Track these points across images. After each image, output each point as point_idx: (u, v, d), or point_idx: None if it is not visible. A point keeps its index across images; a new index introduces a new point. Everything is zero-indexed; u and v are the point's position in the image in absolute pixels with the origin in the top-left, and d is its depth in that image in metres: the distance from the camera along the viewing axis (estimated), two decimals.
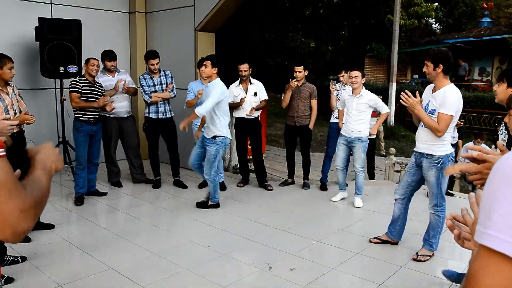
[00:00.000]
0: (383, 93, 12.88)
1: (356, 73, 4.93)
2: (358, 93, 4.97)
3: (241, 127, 5.81)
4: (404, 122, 14.83)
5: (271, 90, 7.66)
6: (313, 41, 21.48)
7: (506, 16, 21.59)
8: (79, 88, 4.93)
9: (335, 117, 5.76)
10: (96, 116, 5.10)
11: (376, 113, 6.80)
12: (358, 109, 4.97)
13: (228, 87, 5.76)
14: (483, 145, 6.79)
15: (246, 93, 5.66)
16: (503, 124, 2.98)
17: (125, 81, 5.60)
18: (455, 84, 3.56)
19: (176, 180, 5.91)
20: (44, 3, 6.23)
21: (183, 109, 5.86)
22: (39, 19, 5.64)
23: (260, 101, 5.73)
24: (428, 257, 3.67)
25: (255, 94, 5.69)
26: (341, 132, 5.18)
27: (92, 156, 5.19)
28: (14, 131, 3.39)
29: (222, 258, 3.69)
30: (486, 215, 0.69)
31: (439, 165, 3.51)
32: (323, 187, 5.91)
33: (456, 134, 6.22)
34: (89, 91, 5.01)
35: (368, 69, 18.29)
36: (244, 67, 5.57)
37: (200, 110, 4.56)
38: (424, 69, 3.50)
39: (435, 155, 3.51)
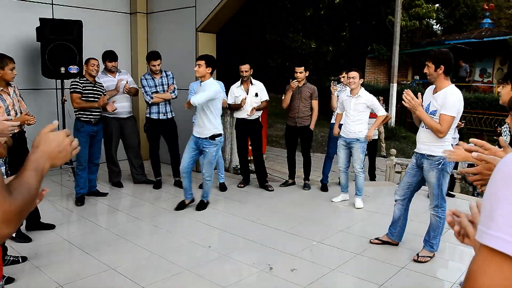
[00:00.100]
0: (384, 94, 12.92)
1: (354, 74, 4.94)
2: (356, 94, 4.98)
3: (242, 127, 5.81)
4: (405, 123, 14.83)
5: (271, 91, 7.65)
6: (314, 41, 21.49)
7: (507, 17, 21.60)
8: (80, 89, 4.94)
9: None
10: (98, 117, 5.11)
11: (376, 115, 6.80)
12: (356, 110, 4.98)
13: (229, 87, 5.79)
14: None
15: (247, 94, 5.66)
16: (507, 126, 2.98)
17: (126, 81, 5.60)
18: (456, 85, 3.56)
19: (177, 181, 5.91)
20: (46, 3, 6.24)
21: (184, 110, 5.86)
22: (41, 19, 5.65)
23: (261, 102, 5.74)
24: (429, 258, 3.67)
25: (256, 94, 5.69)
26: (340, 133, 5.19)
27: (93, 156, 5.19)
28: (16, 131, 3.39)
29: (223, 258, 3.69)
30: (487, 215, 0.69)
31: (439, 166, 3.51)
32: (324, 187, 5.91)
33: (457, 135, 6.21)
34: (90, 92, 5.01)
35: (369, 70, 18.29)
36: (245, 67, 5.58)
37: (194, 99, 4.53)
38: (425, 70, 3.50)
39: (436, 156, 3.51)
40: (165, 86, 5.64)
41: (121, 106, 5.57)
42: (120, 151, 5.86)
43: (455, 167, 7.00)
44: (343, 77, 5.89)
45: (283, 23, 19.21)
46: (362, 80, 5.01)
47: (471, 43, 16.37)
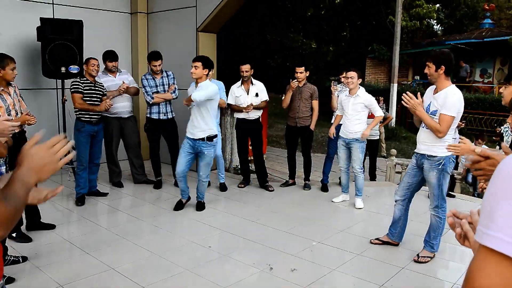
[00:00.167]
0: (384, 94, 12.91)
1: (352, 74, 4.94)
2: (355, 93, 4.99)
3: (242, 127, 5.81)
4: (405, 124, 14.82)
5: (272, 91, 7.66)
6: (314, 42, 21.49)
7: (508, 18, 21.60)
8: (81, 89, 4.94)
9: None
10: (98, 117, 5.11)
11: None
12: (354, 109, 4.99)
13: (229, 87, 5.79)
14: (484, 146, 6.77)
15: (248, 94, 5.66)
16: (508, 126, 2.98)
17: (123, 82, 5.59)
18: (456, 86, 3.56)
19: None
20: (46, 3, 6.24)
21: (184, 110, 5.86)
22: (41, 19, 5.65)
23: (261, 102, 5.73)
24: (429, 259, 3.67)
25: (257, 95, 5.69)
26: (340, 133, 5.20)
27: (93, 156, 5.19)
28: (16, 131, 3.39)
29: (223, 258, 3.69)
30: (487, 216, 0.69)
31: (440, 167, 3.52)
32: (324, 188, 5.91)
33: (457, 136, 6.21)
34: (90, 91, 5.01)
35: (370, 70, 18.28)
36: (245, 67, 5.58)
37: (195, 95, 4.46)
38: (426, 70, 3.50)
39: (436, 156, 3.51)
40: (166, 86, 5.64)
41: (122, 106, 5.57)
42: (121, 151, 5.86)
43: (455, 168, 7.01)
44: (344, 77, 5.89)
45: (283, 23, 19.21)
46: (360, 80, 5.02)
47: (471, 44, 16.37)
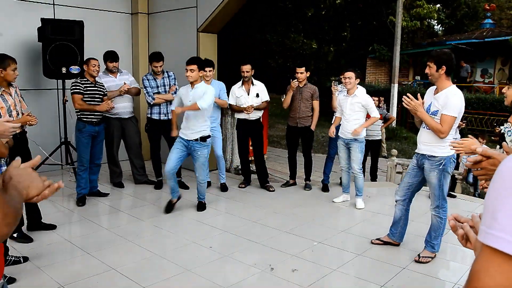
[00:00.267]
0: (385, 95, 12.90)
1: (349, 74, 4.95)
2: (353, 93, 5.00)
3: (243, 128, 5.81)
4: (406, 124, 14.82)
5: (272, 91, 7.66)
6: (315, 42, 21.50)
7: (508, 18, 21.60)
8: (81, 89, 4.94)
9: None
10: (99, 117, 5.11)
11: (382, 116, 6.79)
12: (352, 109, 5.00)
13: (230, 88, 5.79)
14: (484, 146, 6.77)
15: (248, 94, 5.66)
16: (509, 126, 2.98)
17: (124, 83, 5.59)
18: (457, 86, 3.56)
19: (178, 181, 5.90)
20: (47, 4, 6.25)
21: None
22: (42, 20, 5.66)
23: (262, 102, 5.73)
24: (430, 259, 3.67)
25: (257, 95, 5.69)
26: (339, 134, 5.21)
27: (94, 156, 5.19)
28: (17, 131, 3.40)
29: (224, 259, 3.69)
30: (490, 216, 0.69)
31: (441, 167, 3.51)
32: (325, 188, 5.91)
33: (458, 136, 6.21)
34: (91, 92, 5.01)
35: (370, 70, 18.29)
36: (246, 68, 5.57)
37: (202, 104, 4.46)
38: (427, 71, 3.50)
39: (437, 156, 3.51)
40: (167, 87, 5.64)
41: (123, 106, 5.57)
42: (121, 151, 5.86)
43: (456, 168, 7.00)
44: (343, 77, 5.90)
45: (284, 23, 19.23)
46: (358, 80, 5.02)
47: (472, 44, 16.36)
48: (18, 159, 1.20)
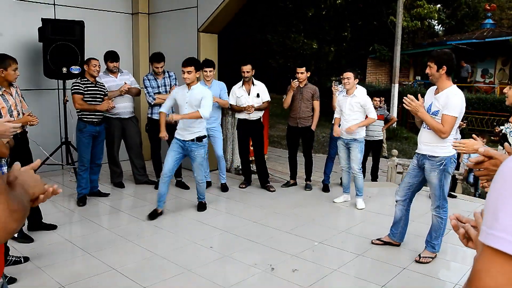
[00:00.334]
0: (385, 95, 12.89)
1: (348, 74, 4.95)
2: (352, 94, 5.01)
3: (244, 128, 5.81)
4: (406, 124, 14.82)
5: (273, 91, 7.66)
6: (316, 42, 21.49)
7: (509, 18, 21.59)
8: (81, 89, 4.94)
9: None
10: (100, 117, 5.11)
11: (383, 116, 6.79)
12: (351, 109, 5.00)
13: (230, 88, 5.79)
14: (486, 147, 6.75)
15: (249, 95, 5.66)
16: (510, 126, 2.98)
17: (124, 83, 5.59)
18: (457, 86, 3.56)
19: (178, 181, 5.92)
20: (48, 4, 6.25)
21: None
22: (43, 20, 5.66)
23: (262, 103, 5.73)
24: (431, 259, 3.67)
25: (258, 95, 5.69)
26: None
27: (95, 157, 5.19)
28: (18, 131, 3.40)
29: (224, 259, 3.69)
30: (491, 216, 0.69)
31: (441, 167, 3.51)
32: (325, 188, 5.91)
33: (459, 136, 6.21)
34: (91, 92, 5.01)
35: (371, 70, 18.28)
36: (247, 68, 5.57)
37: (205, 113, 4.44)
38: (427, 71, 3.50)
39: (438, 157, 3.51)
40: (168, 87, 5.64)
41: (123, 106, 5.57)
42: (122, 151, 5.86)
43: (457, 168, 7.00)
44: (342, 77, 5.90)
45: (284, 23, 19.22)
46: (357, 80, 5.02)
47: (472, 44, 16.35)
48: (17, 163, 1.23)
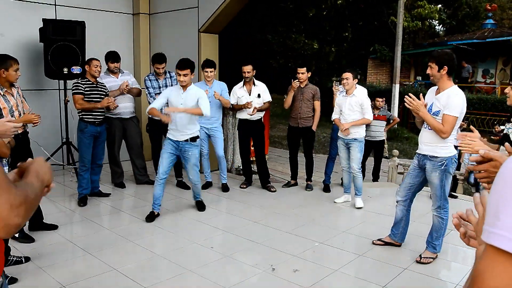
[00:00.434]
0: (386, 95, 12.88)
1: (347, 75, 4.96)
2: (351, 94, 5.02)
3: (244, 128, 5.81)
4: (407, 124, 14.81)
5: (274, 92, 7.67)
6: (316, 42, 21.47)
7: (510, 18, 21.58)
8: (81, 90, 4.95)
9: None
10: (101, 117, 5.11)
11: (385, 117, 6.78)
12: (350, 109, 5.02)
13: (231, 88, 5.79)
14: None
15: (250, 95, 5.66)
16: (511, 126, 2.99)
17: (126, 81, 5.59)
18: (458, 86, 3.56)
19: (179, 181, 5.92)
20: (49, 4, 6.26)
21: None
22: (44, 20, 5.67)
23: (264, 103, 5.73)
24: (432, 259, 3.67)
25: (259, 95, 5.69)
26: (338, 134, 5.22)
27: (96, 157, 5.20)
28: (19, 132, 3.40)
29: (225, 259, 3.69)
30: (493, 215, 0.69)
31: (442, 167, 3.51)
32: (326, 188, 5.91)
33: None
34: (92, 92, 5.02)
35: (371, 71, 18.27)
36: (247, 68, 5.58)
37: (207, 112, 4.46)
38: (428, 71, 3.50)
39: (439, 157, 3.51)
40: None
41: (124, 106, 5.57)
42: (123, 151, 5.87)
43: (458, 168, 6.99)
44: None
45: (285, 23, 19.21)
46: (356, 80, 5.03)
47: (473, 44, 16.33)
48: (29, 159, 1.26)
